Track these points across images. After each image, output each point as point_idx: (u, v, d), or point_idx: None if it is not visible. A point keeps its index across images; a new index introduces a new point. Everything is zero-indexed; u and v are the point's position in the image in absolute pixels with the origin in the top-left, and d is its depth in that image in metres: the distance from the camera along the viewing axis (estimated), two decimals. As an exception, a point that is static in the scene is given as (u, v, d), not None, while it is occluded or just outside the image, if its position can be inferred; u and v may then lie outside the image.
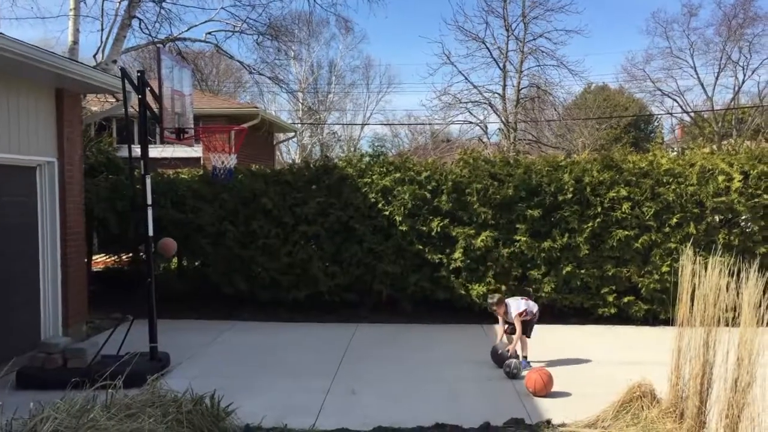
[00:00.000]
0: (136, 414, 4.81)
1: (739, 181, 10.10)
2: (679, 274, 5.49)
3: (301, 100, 38.28)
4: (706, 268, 5.21)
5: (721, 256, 5.32)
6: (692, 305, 5.27)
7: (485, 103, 29.01)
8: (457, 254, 10.52)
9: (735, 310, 4.99)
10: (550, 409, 6.47)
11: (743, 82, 34.39)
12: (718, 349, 5.12)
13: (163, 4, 14.81)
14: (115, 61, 13.45)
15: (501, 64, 28.68)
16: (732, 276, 5.07)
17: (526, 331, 7.88)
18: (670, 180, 10.33)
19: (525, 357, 7.82)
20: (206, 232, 11.12)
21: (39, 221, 8.79)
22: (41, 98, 8.68)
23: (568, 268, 10.30)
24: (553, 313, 10.54)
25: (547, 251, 10.36)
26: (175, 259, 12.23)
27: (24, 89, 8.30)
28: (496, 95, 29.00)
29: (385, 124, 46.33)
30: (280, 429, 5.87)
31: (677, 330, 5.49)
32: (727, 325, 5.09)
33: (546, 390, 6.87)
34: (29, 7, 43.98)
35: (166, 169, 13.49)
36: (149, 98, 7.86)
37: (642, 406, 5.80)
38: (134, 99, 8.09)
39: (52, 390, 6.03)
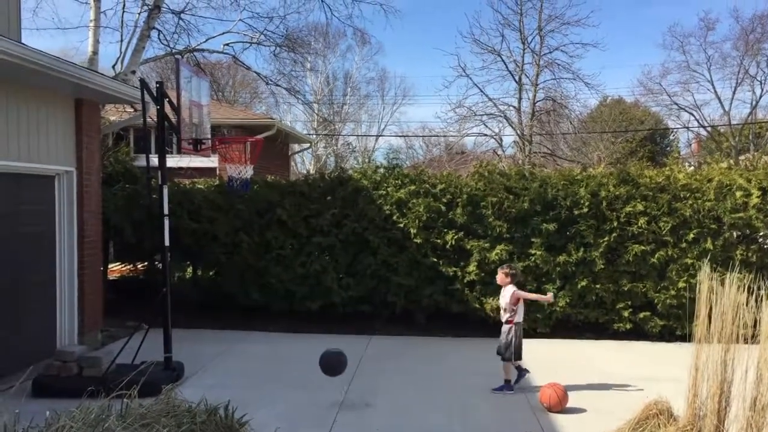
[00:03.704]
0: (151, 424, 4.80)
1: (758, 197, 10.02)
2: (697, 290, 5.43)
3: (316, 111, 38.42)
4: (723, 285, 5.16)
5: (738, 273, 5.27)
6: (710, 322, 5.21)
7: (500, 116, 28.96)
8: (472, 267, 10.48)
9: (754, 327, 4.93)
10: (564, 425, 6.42)
11: (761, 96, 34.16)
12: (737, 367, 5.06)
13: (182, 15, 14.96)
14: (134, 72, 13.57)
15: (516, 77, 28.64)
16: (750, 293, 5.02)
17: (518, 346, 7.55)
18: (687, 195, 10.26)
19: (508, 381, 7.57)
20: (221, 242, 11.17)
21: (57, 230, 8.87)
22: (60, 108, 8.78)
23: (584, 283, 10.23)
24: (567, 328, 10.48)
25: (562, 265, 10.30)
26: (189, 269, 12.29)
27: (44, 99, 8.40)
28: (512, 108, 28.95)
29: (399, 136, 46.32)
30: (293, 441, 5.86)
31: (695, 347, 5.43)
32: (745, 342, 5.03)
33: (561, 406, 6.81)
34: (50, 18, 44.48)
35: (182, 179, 13.58)
36: (167, 109, 7.93)
37: (658, 424, 5.73)
38: (152, 109, 8.16)
39: (68, 398, 6.04)
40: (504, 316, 7.62)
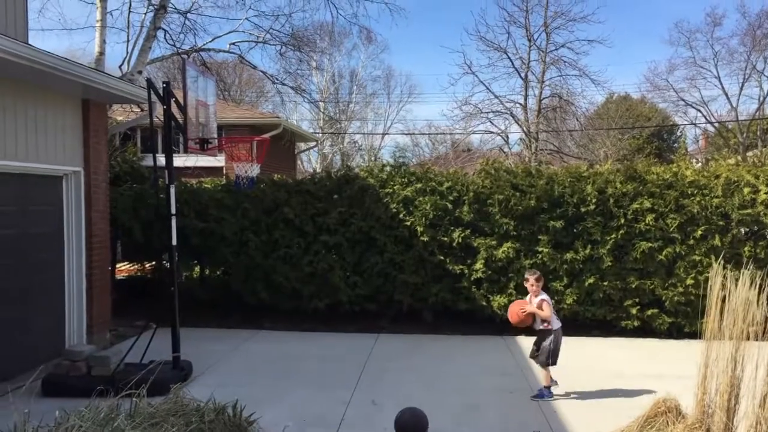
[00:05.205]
0: (160, 423, 4.82)
1: (765, 193, 9.97)
2: (708, 287, 5.41)
3: (322, 110, 38.45)
4: (735, 282, 5.13)
5: (746, 269, 5.25)
6: (721, 319, 5.19)
7: (506, 113, 28.88)
8: (479, 265, 10.47)
9: (764, 324, 4.91)
10: (572, 422, 6.41)
11: (768, 92, 33.95)
12: (747, 364, 5.04)
13: (188, 15, 14.99)
14: (140, 72, 13.60)
15: (523, 74, 28.55)
16: (760, 289, 5.00)
17: (552, 346, 7.13)
18: (695, 192, 10.22)
19: (547, 387, 7.20)
20: (229, 242, 11.18)
21: (65, 230, 8.91)
22: (68, 108, 8.81)
23: (591, 280, 10.21)
24: (575, 326, 10.43)
25: (569, 263, 10.28)
26: (197, 268, 12.32)
27: (51, 100, 8.43)
28: (518, 105, 28.88)
29: (405, 134, 46.36)
30: (301, 439, 5.87)
31: (704, 344, 5.41)
32: (756, 339, 5.01)
33: (516, 318, 7.10)
34: (56, 19, 44.68)
35: (189, 179, 13.61)
36: (174, 108, 7.94)
37: (667, 422, 5.70)
38: (159, 109, 8.18)
39: (77, 398, 6.07)
40: (539, 324, 7.18)
